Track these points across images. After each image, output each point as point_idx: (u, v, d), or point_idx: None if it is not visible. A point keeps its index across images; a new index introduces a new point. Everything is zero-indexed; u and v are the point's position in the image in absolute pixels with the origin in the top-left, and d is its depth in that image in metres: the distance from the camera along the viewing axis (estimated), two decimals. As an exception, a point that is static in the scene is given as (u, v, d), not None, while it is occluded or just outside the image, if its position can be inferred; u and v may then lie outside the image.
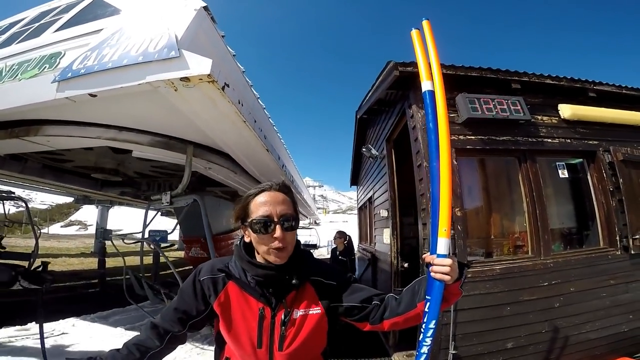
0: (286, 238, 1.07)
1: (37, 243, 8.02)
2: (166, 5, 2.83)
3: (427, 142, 3.54)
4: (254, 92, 4.07)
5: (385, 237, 5.46)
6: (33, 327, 4.81)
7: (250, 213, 1.09)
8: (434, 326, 1.07)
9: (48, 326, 4.90)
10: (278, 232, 1.05)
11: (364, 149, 5.61)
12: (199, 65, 2.26)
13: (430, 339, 1.07)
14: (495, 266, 3.42)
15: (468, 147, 3.67)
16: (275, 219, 1.06)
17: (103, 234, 9.90)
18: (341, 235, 5.93)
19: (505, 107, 3.71)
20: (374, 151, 5.52)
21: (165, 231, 9.57)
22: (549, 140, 3.91)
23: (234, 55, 3.35)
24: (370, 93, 4.73)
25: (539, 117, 3.99)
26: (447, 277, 1.03)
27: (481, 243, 3.81)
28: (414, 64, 3.60)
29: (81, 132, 3.37)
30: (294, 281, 1.11)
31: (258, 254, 1.13)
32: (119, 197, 8.61)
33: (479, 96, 3.71)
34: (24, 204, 8.98)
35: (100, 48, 2.64)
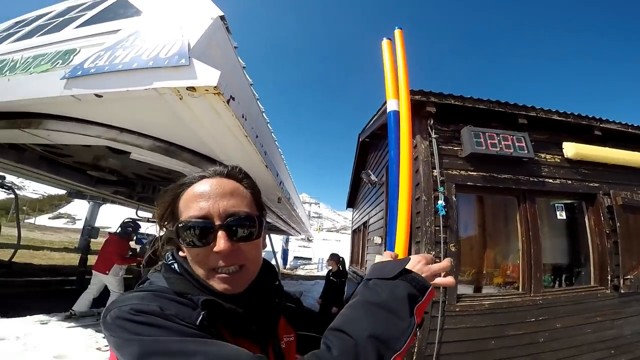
0: (237, 252, 0.67)
1: (19, 235, 7.88)
2: (185, 10, 2.83)
3: (427, 176, 3.55)
4: (260, 105, 4.06)
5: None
6: None
7: (180, 213, 0.70)
8: None
9: (12, 322, 4.66)
10: (221, 241, 0.64)
11: (363, 174, 5.60)
12: (206, 76, 2.23)
13: None
14: (485, 301, 3.43)
15: (469, 183, 3.66)
16: (217, 221, 0.66)
17: (90, 231, 9.76)
18: (333, 257, 5.92)
19: (510, 143, 3.71)
20: (373, 177, 5.51)
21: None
22: (550, 180, 3.91)
23: (244, 67, 3.34)
24: (375, 118, 4.76)
25: (542, 155, 4.00)
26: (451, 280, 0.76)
27: (472, 277, 3.81)
28: (422, 93, 3.63)
29: (82, 129, 3.33)
30: (277, 300, 0.81)
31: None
32: (112, 196, 8.52)
33: (484, 130, 3.71)
34: (12, 194, 8.88)
35: (114, 49, 2.63)
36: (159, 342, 0.51)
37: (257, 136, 3.42)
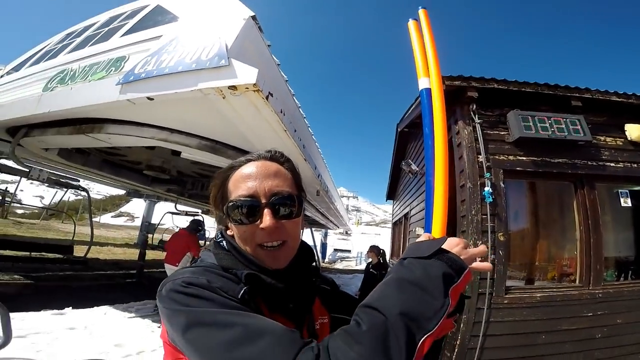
0: (282, 229, 0.72)
1: (92, 232, 8.78)
2: (218, 13, 2.96)
3: (472, 162, 3.40)
4: (296, 101, 4.15)
5: (418, 256, 5.30)
6: (69, 312, 5.16)
7: (229, 193, 0.75)
8: None
9: (81, 312, 5.24)
10: (267, 218, 0.69)
11: (403, 164, 5.47)
12: (246, 74, 2.33)
13: None
14: (536, 293, 3.26)
15: (518, 168, 3.47)
16: (263, 200, 0.71)
17: (147, 227, 10.61)
18: (373, 249, 5.84)
19: (563, 126, 3.45)
20: (414, 167, 5.37)
21: (205, 230, 10.00)
22: (612, 164, 3.59)
23: (278, 64, 3.43)
24: (413, 107, 4.64)
25: (602, 138, 3.69)
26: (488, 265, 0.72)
27: (523, 269, 3.62)
28: (462, 79, 3.48)
29: (138, 131, 3.63)
30: (314, 280, 0.84)
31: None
32: (165, 194, 9.19)
33: (533, 113, 3.50)
34: (85, 194, 9.92)
35: (159, 54, 2.82)
36: (203, 314, 0.56)
37: (295, 130, 3.50)
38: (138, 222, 12.08)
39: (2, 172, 6.39)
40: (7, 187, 17.75)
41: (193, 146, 3.78)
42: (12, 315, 1.55)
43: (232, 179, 0.76)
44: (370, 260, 5.95)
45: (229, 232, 0.79)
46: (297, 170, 0.84)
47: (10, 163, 6.08)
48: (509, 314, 3.13)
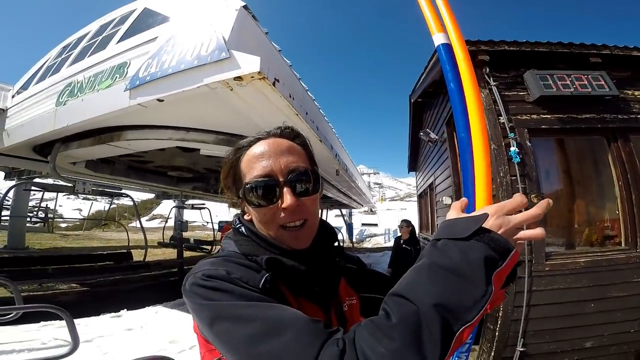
0: (303, 206, 0.69)
1: (145, 236, 9.24)
2: (208, 7, 2.95)
3: (493, 123, 3.25)
4: (303, 84, 4.12)
5: (449, 225, 5.18)
6: (124, 313, 5.49)
7: (243, 175, 0.71)
8: (470, 340, 0.91)
9: (135, 313, 5.57)
10: (287, 197, 0.66)
11: (421, 134, 5.32)
12: (248, 63, 2.33)
13: (466, 355, 0.90)
14: (579, 259, 3.08)
15: (543, 126, 3.31)
16: (281, 178, 0.68)
17: (181, 225, 11.06)
18: (408, 224, 5.61)
19: (586, 82, 3.26)
20: (432, 135, 5.22)
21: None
22: (645, 116, 3.35)
23: (279, 50, 3.42)
24: (424, 75, 4.49)
25: (630, 92, 3.46)
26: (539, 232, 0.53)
27: (562, 233, 3.46)
28: (471, 43, 3.34)
29: (155, 134, 3.74)
30: (341, 264, 0.82)
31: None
32: (192, 192, 9.52)
33: (551, 72, 3.32)
34: (130, 200, 10.51)
35: (159, 55, 2.85)
36: (224, 307, 0.55)
37: (306, 113, 3.50)
38: (171, 223, 12.63)
39: (48, 191, 6.85)
40: (47, 205, 19.04)
41: (210, 142, 3.85)
42: (76, 321, 1.65)
43: (243, 160, 0.72)
44: (399, 235, 5.78)
45: (246, 217, 0.77)
46: (309, 145, 0.80)
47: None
48: (551, 282, 2.98)
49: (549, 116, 3.32)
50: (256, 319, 0.52)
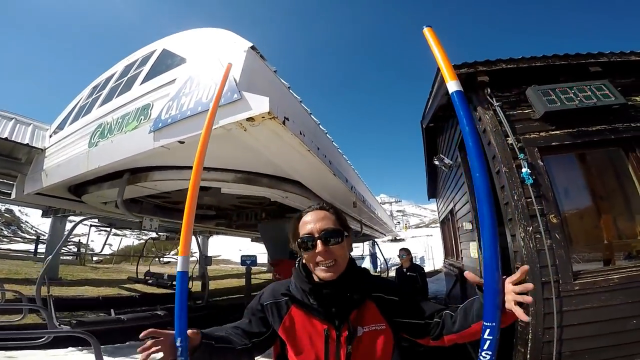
0: (330, 252, 1.09)
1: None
2: (219, 48, 3.11)
3: (501, 145, 3.25)
4: (314, 118, 4.24)
5: (472, 251, 5.05)
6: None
7: (298, 232, 1.15)
8: (491, 356, 0.96)
9: None
10: (319, 246, 1.08)
11: (435, 160, 5.34)
12: (258, 104, 2.47)
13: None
14: (612, 275, 2.96)
15: (554, 143, 3.29)
16: (316, 235, 1.10)
17: (205, 260, 11.27)
18: (407, 252, 5.59)
19: (589, 93, 3.26)
20: (447, 160, 5.22)
21: (255, 256, 10.39)
22: (660, 122, 3.28)
23: (288, 87, 3.55)
24: (431, 101, 4.57)
25: (638, 99, 3.40)
26: (529, 299, 0.89)
27: (591, 249, 3.35)
28: (469, 65, 3.45)
29: (178, 175, 3.89)
30: (355, 296, 1.12)
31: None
32: (215, 228, 9.73)
33: (553, 86, 3.34)
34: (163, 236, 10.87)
35: (179, 97, 3.02)
36: None
37: (318, 148, 3.58)
38: (196, 257, 12.95)
39: (115, 228, 7.26)
40: (79, 239, 19.96)
41: (230, 180, 3.98)
42: (103, 347, 1.77)
43: (300, 223, 1.17)
44: (400, 264, 5.73)
45: (303, 260, 1.19)
46: (339, 212, 1.23)
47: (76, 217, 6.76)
48: (583, 301, 2.88)
49: (558, 132, 3.30)
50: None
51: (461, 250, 6.39)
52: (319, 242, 1.09)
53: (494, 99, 3.44)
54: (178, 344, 1.03)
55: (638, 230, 3.31)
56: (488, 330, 0.94)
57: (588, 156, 3.49)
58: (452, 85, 1.10)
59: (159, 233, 10.30)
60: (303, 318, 1.14)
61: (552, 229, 3.02)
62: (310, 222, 1.13)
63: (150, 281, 10.37)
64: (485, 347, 0.95)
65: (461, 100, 1.09)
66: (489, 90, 3.48)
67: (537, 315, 2.87)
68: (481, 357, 0.96)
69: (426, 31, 1.24)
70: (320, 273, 1.10)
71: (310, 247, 1.10)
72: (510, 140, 3.26)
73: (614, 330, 2.83)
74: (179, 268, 1.21)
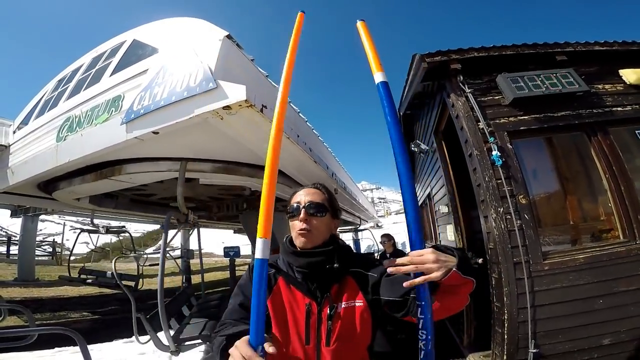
0: (310, 222, 1.18)
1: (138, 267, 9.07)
2: (194, 38, 3.04)
3: (473, 130, 3.37)
4: (293, 107, 4.23)
5: (449, 234, 5.23)
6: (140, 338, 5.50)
7: (290, 203, 1.27)
8: (427, 334, 0.97)
9: (147, 339, 5.58)
10: (302, 214, 1.18)
11: (412, 146, 5.45)
12: (235, 92, 2.43)
13: (425, 351, 0.96)
14: (578, 255, 3.07)
15: (522, 128, 3.43)
16: (302, 205, 1.20)
17: (187, 253, 11.11)
18: (389, 238, 5.76)
19: (555, 81, 3.42)
20: (423, 146, 5.33)
21: (238, 247, 10.34)
22: (619, 108, 3.47)
23: (266, 75, 3.51)
24: (407, 89, 4.65)
25: (600, 87, 3.59)
26: (430, 266, 0.95)
27: (558, 231, 3.47)
28: (442, 53, 3.53)
29: (154, 167, 3.82)
30: (335, 265, 1.15)
31: None
32: (195, 220, 9.51)
33: (522, 74, 3.49)
34: (128, 235, 10.59)
35: (151, 88, 2.93)
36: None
37: (298, 136, 3.58)
38: (178, 252, 12.74)
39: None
40: (54, 239, 19.23)
41: (208, 171, 3.92)
42: (90, 347, 1.75)
43: (293, 196, 1.28)
44: (384, 250, 5.86)
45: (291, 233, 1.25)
46: (332, 194, 1.34)
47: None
48: (553, 281, 2.98)
49: (526, 117, 3.44)
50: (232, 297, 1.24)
51: (439, 233, 6.59)
52: (302, 210, 1.19)
53: (466, 85, 3.54)
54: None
55: (601, 211, 3.47)
56: (420, 309, 0.97)
57: (554, 140, 3.65)
58: (379, 77, 1.17)
59: (99, 226, 9.26)
60: (287, 291, 1.18)
61: (521, 210, 3.14)
62: (301, 195, 1.26)
63: (89, 280, 8.97)
64: (420, 325, 0.97)
65: (385, 91, 1.16)
66: (461, 77, 3.58)
67: (511, 295, 2.96)
68: (418, 336, 0.99)
69: (359, 25, 1.30)
70: (298, 240, 1.19)
71: (295, 215, 1.21)
72: (482, 125, 3.38)
73: (583, 310, 2.93)
74: (257, 255, 0.96)
